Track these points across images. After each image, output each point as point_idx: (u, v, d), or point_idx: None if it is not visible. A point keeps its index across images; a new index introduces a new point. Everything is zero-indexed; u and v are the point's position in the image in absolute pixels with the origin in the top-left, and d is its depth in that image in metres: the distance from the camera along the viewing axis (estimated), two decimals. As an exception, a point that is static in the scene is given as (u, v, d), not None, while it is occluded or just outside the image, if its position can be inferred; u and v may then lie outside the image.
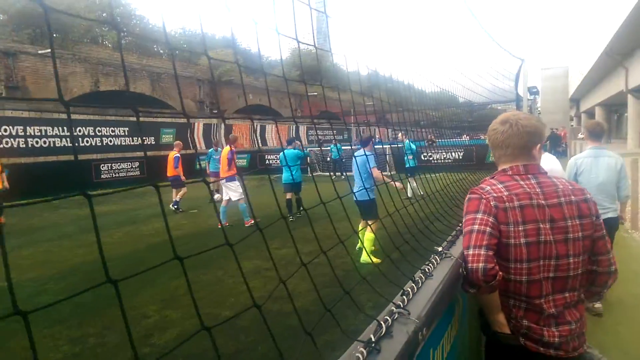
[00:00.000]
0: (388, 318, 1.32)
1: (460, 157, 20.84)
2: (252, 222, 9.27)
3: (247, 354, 4.03)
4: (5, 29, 23.60)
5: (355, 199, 6.36)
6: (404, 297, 1.49)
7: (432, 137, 10.26)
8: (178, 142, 13.31)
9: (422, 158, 21.40)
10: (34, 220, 11.83)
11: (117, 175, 20.23)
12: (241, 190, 9.67)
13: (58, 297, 5.51)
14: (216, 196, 12.46)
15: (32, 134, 17.72)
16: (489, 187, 1.88)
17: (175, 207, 12.32)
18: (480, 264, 1.69)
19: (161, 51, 38.24)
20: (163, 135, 23.65)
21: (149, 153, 21.97)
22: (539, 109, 43.58)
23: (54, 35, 24.19)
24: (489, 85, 9.23)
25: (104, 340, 4.40)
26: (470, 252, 1.74)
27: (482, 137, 23.73)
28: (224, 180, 9.90)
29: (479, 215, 1.79)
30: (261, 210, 10.53)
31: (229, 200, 9.84)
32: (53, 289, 6.05)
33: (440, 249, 2.05)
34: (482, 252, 1.71)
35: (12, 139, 17.18)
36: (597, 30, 38.81)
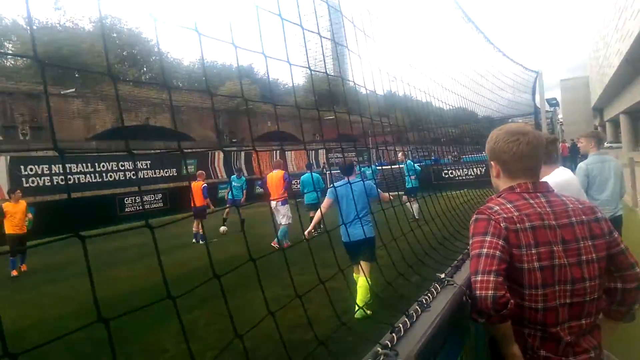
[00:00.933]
0: (371, 361, 1.13)
1: (482, 173, 20.52)
2: (277, 246, 9.14)
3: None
4: (29, 71, 24.46)
5: (348, 240, 5.25)
6: (394, 334, 1.33)
7: (456, 153, 10.11)
8: (201, 171, 13.43)
9: (444, 176, 21.19)
10: (57, 257, 11.93)
11: (141, 207, 20.44)
12: (290, 215, 10.05)
13: (80, 335, 5.51)
14: (222, 228, 12.51)
15: (57, 172, 18.13)
16: (497, 207, 1.72)
17: (200, 239, 12.31)
18: (490, 292, 1.54)
19: (180, 84, 39.09)
20: (184, 167, 23.98)
21: (171, 184, 22.25)
22: (561, 120, 42.93)
23: (75, 75, 24.97)
24: (506, 101, 9.13)
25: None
26: (479, 278, 1.58)
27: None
28: (277, 203, 10.08)
29: (488, 238, 1.64)
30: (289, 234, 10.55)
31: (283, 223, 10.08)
32: (75, 325, 6.03)
33: (442, 275, 1.87)
34: (492, 278, 1.56)
35: (37, 178, 17.61)
36: (615, 38, 38.36)
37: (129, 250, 11.93)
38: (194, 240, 12.26)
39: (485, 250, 1.62)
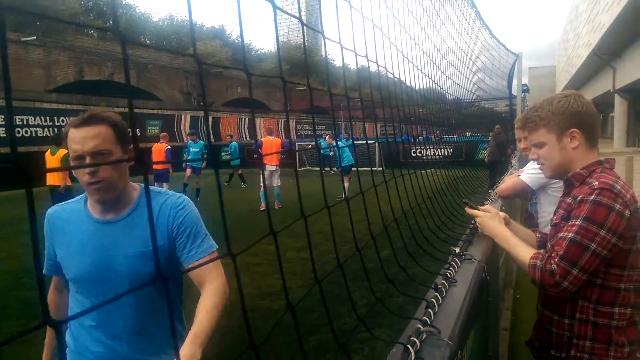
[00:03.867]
0: (416, 340, 1.00)
1: (450, 154, 20.71)
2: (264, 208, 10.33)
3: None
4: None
5: None
6: (429, 310, 1.15)
7: (438, 132, 10.14)
8: (164, 133, 12.79)
9: (412, 154, 21.29)
10: (16, 211, 11.41)
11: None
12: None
13: (33, 291, 5.28)
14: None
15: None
16: (619, 187, 1.51)
17: None
18: (573, 288, 1.48)
19: (148, 41, 37.69)
20: (149, 127, 23.28)
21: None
22: (528, 107, 43.89)
23: (37, 23, 23.60)
24: (479, 81, 9.06)
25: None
26: (575, 272, 1.46)
27: (469, 134, 23.72)
28: (276, 167, 10.88)
29: (602, 233, 1.46)
30: (253, 202, 10.54)
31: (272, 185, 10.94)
32: (29, 282, 5.81)
33: (457, 249, 1.77)
34: (584, 278, 1.49)
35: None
36: (586, 30, 39.10)
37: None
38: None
39: (594, 246, 1.46)
